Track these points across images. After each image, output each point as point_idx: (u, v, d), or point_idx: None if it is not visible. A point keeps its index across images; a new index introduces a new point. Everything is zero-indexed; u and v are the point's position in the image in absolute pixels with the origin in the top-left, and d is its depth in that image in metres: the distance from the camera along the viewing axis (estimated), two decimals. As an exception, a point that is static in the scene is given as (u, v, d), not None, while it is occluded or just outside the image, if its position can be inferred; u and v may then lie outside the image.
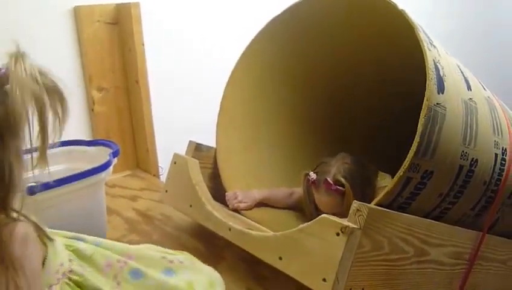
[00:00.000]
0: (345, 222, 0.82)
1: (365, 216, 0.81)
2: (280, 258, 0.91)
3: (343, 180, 1.12)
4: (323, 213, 0.92)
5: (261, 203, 1.26)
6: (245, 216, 1.18)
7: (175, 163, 1.24)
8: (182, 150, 1.28)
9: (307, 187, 1.20)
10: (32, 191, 0.94)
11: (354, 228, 0.81)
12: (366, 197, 1.10)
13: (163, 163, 1.73)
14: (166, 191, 1.25)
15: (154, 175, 1.72)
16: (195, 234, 1.23)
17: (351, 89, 1.41)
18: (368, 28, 1.19)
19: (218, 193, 1.24)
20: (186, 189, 1.17)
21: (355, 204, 0.83)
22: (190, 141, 1.29)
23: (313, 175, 1.17)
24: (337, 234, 0.82)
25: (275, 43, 1.32)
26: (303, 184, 1.21)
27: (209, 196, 1.15)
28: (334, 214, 0.98)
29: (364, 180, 1.17)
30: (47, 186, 0.96)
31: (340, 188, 1.12)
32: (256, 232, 0.98)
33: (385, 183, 1.17)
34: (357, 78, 1.38)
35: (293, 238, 0.89)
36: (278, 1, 1.26)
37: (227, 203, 1.22)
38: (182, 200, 1.19)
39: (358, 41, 1.27)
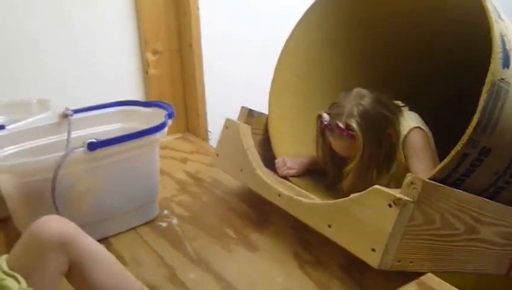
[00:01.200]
0: (398, 193, 0.82)
1: (419, 189, 0.81)
2: (329, 226, 0.92)
3: (354, 125, 1.06)
4: (338, 155, 0.99)
5: (310, 170, 1.26)
6: (294, 183, 1.19)
7: (227, 128, 1.25)
8: (231, 116, 1.30)
9: (320, 129, 1.16)
10: (91, 147, 0.98)
11: (407, 200, 0.81)
12: (384, 141, 1.10)
13: (213, 128, 1.76)
14: (218, 155, 1.27)
15: (203, 139, 1.75)
16: (244, 198, 1.26)
17: (404, 61, 1.38)
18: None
19: (269, 159, 1.25)
20: (237, 154, 1.18)
21: (409, 177, 0.83)
22: (242, 107, 1.31)
23: (326, 117, 1.12)
24: (390, 206, 0.82)
25: (332, 15, 1.30)
26: (316, 126, 1.17)
27: (260, 161, 1.16)
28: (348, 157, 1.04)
29: (382, 122, 1.11)
30: (105, 143, 1.00)
31: (353, 133, 1.07)
32: (307, 200, 0.99)
33: (412, 123, 1.13)
34: (411, 49, 1.35)
35: (344, 207, 0.90)
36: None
37: (277, 169, 1.24)
38: (232, 164, 1.21)
39: (417, 12, 1.24)
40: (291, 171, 1.23)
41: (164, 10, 1.67)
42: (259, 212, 1.19)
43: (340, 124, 1.08)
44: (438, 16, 1.21)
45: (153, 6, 1.65)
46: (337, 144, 1.13)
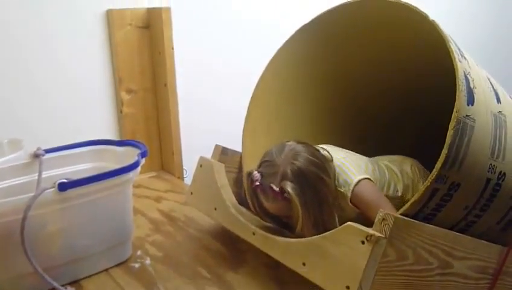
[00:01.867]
0: (370, 230, 0.83)
1: (391, 225, 0.82)
2: (303, 264, 0.92)
3: (289, 189, 0.99)
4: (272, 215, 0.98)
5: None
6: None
7: (201, 166, 1.25)
8: (205, 153, 1.30)
9: (251, 189, 1.07)
10: (62, 187, 0.97)
11: (379, 236, 0.81)
12: (323, 203, 1.05)
13: (188, 166, 1.75)
14: (192, 193, 1.27)
15: (178, 177, 1.74)
16: (218, 236, 1.25)
17: (377, 97, 1.42)
18: (396, 37, 1.20)
19: (243, 197, 1.25)
20: (211, 192, 1.18)
21: (381, 213, 0.83)
22: (216, 145, 1.31)
23: (256, 176, 1.04)
24: (362, 242, 0.82)
25: (302, 51, 1.33)
26: (247, 184, 1.08)
27: (234, 199, 1.16)
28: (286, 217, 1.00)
29: (317, 182, 1.04)
30: (76, 183, 0.99)
31: (288, 197, 1.00)
32: (280, 238, 0.99)
33: (353, 176, 1.08)
34: (382, 85, 1.38)
35: (317, 245, 0.90)
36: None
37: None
38: (206, 202, 1.20)
39: (386, 50, 1.28)
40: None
41: (138, 49, 1.69)
42: (233, 251, 1.18)
43: (274, 187, 1.01)
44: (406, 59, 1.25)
45: (127, 45, 1.66)
46: (271, 206, 1.06)
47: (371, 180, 1.11)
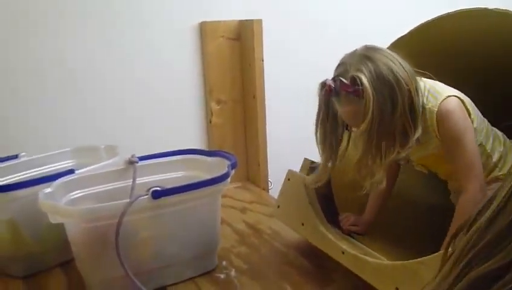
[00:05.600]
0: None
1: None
2: (397, 289, 0.87)
3: (362, 78, 0.89)
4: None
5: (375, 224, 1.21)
6: (358, 240, 1.15)
7: (289, 179, 1.24)
8: (292, 166, 1.28)
9: (324, 100, 0.97)
10: (155, 195, 0.99)
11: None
12: (398, 109, 0.90)
13: (273, 178, 1.74)
14: (279, 206, 1.25)
15: (263, 189, 1.74)
16: (304, 252, 1.22)
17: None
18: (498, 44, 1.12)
19: (332, 214, 1.21)
20: (299, 207, 1.16)
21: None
22: (305, 159, 1.29)
23: (329, 81, 0.95)
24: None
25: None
26: (319, 98, 0.99)
27: (323, 216, 1.13)
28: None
29: (395, 87, 0.91)
30: (170, 191, 1.01)
31: (361, 88, 0.89)
32: (372, 259, 0.95)
33: (444, 92, 0.97)
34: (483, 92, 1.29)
35: (413, 270, 0.85)
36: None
37: (341, 225, 1.20)
38: (294, 217, 1.18)
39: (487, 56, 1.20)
40: (354, 228, 1.18)
41: (229, 61, 1.71)
42: (320, 269, 1.14)
43: (345, 81, 0.91)
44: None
45: (218, 57, 1.69)
46: (345, 111, 0.95)
47: (463, 102, 0.99)
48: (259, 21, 1.65)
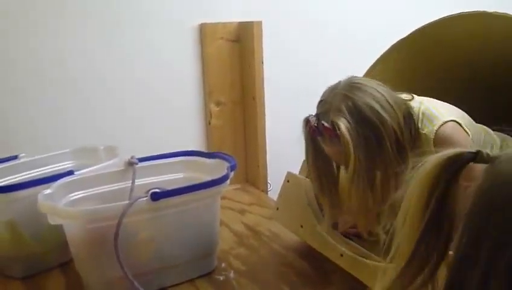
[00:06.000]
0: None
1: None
2: (395, 292, 0.87)
3: (339, 123, 0.88)
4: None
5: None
6: (357, 243, 1.15)
7: (288, 181, 1.24)
8: (291, 168, 1.29)
9: (310, 138, 0.97)
10: (155, 197, 0.99)
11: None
12: (385, 141, 0.89)
13: (271, 179, 1.75)
14: (278, 208, 1.25)
15: (262, 190, 1.74)
16: (303, 254, 1.22)
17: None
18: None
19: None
20: (298, 209, 1.16)
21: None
22: (304, 160, 1.29)
23: (312, 119, 0.94)
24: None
25: (397, 65, 1.29)
26: (304, 133, 0.98)
27: (321, 218, 1.14)
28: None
29: (376, 121, 0.89)
30: (169, 193, 1.01)
31: (339, 132, 0.89)
32: (371, 261, 0.95)
33: (442, 117, 0.94)
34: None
35: (411, 273, 0.85)
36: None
37: (338, 227, 1.20)
38: (293, 219, 1.18)
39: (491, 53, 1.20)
40: (353, 230, 1.18)
41: (228, 62, 1.72)
42: (319, 271, 1.14)
43: (326, 124, 0.91)
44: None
45: (218, 59, 1.70)
46: (330, 151, 0.95)
47: (461, 125, 0.97)
48: (259, 23, 1.65)
